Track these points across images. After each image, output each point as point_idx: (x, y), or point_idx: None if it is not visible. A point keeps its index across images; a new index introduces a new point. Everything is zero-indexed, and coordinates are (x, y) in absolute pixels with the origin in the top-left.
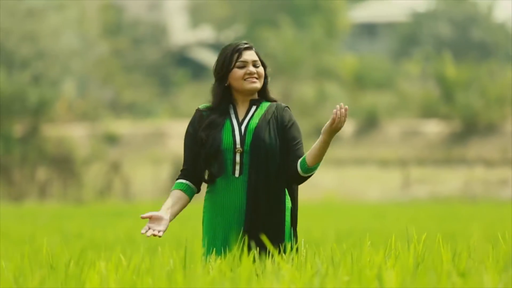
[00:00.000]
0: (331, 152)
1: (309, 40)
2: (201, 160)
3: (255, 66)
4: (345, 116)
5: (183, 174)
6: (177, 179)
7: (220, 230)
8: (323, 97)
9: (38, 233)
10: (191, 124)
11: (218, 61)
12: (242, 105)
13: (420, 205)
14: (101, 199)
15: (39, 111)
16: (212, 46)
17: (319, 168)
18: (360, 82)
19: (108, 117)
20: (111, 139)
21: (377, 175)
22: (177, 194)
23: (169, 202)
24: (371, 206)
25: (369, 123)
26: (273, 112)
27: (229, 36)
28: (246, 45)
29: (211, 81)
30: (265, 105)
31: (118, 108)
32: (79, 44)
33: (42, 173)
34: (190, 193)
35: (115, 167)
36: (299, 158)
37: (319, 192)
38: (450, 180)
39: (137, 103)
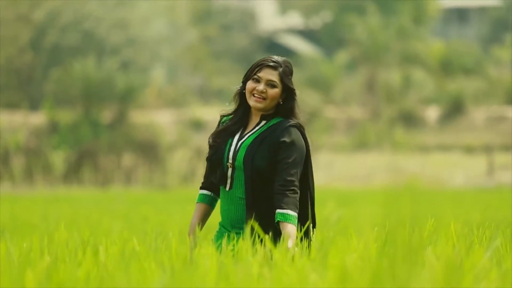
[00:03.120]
0: (415, 138)
1: (396, 26)
2: (208, 166)
3: (269, 85)
4: None
5: (205, 184)
6: (200, 188)
7: (221, 232)
8: (409, 83)
9: (106, 217)
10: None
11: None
12: (254, 118)
13: (504, 191)
14: (185, 185)
15: (127, 98)
16: (300, 33)
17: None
18: (447, 68)
19: (197, 104)
20: (197, 125)
21: (462, 161)
22: (202, 210)
23: (196, 220)
24: (454, 192)
25: (455, 109)
26: (274, 130)
27: (317, 22)
28: (271, 63)
29: (299, 68)
30: (273, 121)
31: (207, 95)
32: (168, 31)
33: (128, 159)
34: (213, 202)
35: (199, 153)
36: (284, 179)
37: (402, 176)
38: None
39: (226, 90)
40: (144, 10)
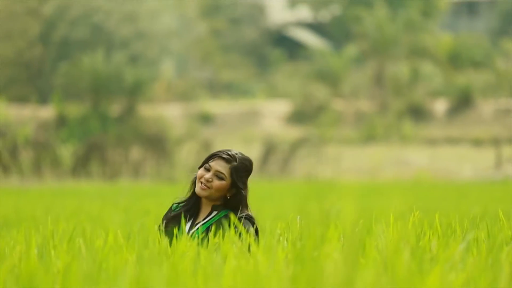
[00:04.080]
0: (424, 131)
1: (404, 19)
2: None
3: (217, 176)
4: None
5: None
6: None
7: None
8: (417, 76)
9: (108, 210)
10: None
11: None
12: (205, 207)
13: (511, 184)
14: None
15: (136, 91)
16: (309, 26)
17: None
18: (455, 61)
19: (205, 97)
20: (206, 119)
21: (470, 154)
22: None
23: None
24: (461, 185)
25: (463, 102)
26: (222, 222)
27: (326, 16)
28: (226, 156)
29: (308, 61)
30: (224, 213)
31: (216, 88)
32: (177, 24)
33: (136, 152)
34: None
35: (207, 146)
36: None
37: (411, 170)
38: None
39: (234, 83)
40: (153, 3)
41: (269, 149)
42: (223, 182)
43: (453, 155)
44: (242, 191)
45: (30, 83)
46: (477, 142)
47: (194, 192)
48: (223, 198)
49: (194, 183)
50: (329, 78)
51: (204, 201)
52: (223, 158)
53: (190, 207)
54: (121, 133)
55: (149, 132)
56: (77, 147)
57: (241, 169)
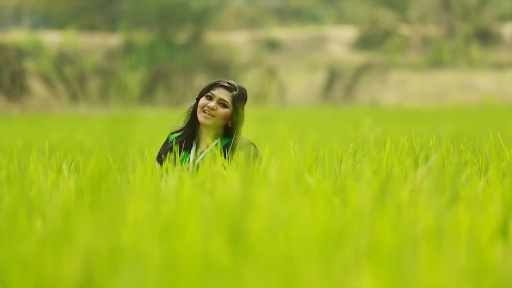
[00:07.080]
0: (491, 55)
1: None
2: None
3: (221, 104)
4: None
5: None
6: None
7: None
8: (485, 0)
9: (156, 136)
10: (158, 156)
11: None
12: (206, 137)
13: None
14: (256, 104)
15: (203, 19)
16: None
17: None
18: None
19: (274, 24)
20: (272, 45)
21: None
22: None
23: None
24: None
25: None
26: (228, 149)
27: None
28: (227, 84)
29: None
30: (225, 141)
31: (285, 15)
32: None
33: (200, 79)
34: None
35: (271, 73)
36: None
37: (478, 95)
38: None
39: (303, 9)
40: None
41: (334, 75)
42: (227, 110)
43: None
44: (243, 119)
45: (98, 11)
46: None
47: (190, 122)
48: (224, 127)
49: (190, 113)
50: (396, 3)
51: (204, 130)
52: (225, 87)
53: (188, 136)
54: (187, 61)
55: (215, 59)
56: (144, 74)
57: (240, 97)
